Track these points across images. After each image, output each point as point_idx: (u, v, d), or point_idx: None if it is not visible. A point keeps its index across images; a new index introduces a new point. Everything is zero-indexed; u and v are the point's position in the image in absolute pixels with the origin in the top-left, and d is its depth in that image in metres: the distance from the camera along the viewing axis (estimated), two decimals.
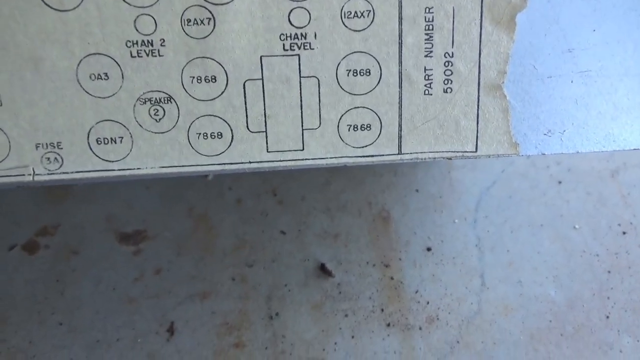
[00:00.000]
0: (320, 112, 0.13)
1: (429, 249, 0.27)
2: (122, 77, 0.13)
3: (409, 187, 0.29)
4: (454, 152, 0.13)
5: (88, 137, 0.13)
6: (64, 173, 0.13)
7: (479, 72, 0.13)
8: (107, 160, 0.13)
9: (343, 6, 0.13)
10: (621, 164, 0.29)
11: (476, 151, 0.13)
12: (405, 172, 0.29)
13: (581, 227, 0.28)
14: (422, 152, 0.13)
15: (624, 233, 0.27)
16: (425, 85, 0.13)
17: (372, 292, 0.26)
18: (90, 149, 0.13)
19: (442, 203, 0.28)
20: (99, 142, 0.13)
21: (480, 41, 0.13)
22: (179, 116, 0.13)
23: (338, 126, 0.13)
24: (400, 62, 0.13)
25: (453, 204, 0.28)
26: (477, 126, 0.13)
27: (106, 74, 0.13)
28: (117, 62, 0.13)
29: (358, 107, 0.13)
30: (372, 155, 0.13)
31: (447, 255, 0.27)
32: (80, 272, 0.26)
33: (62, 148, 0.13)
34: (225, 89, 0.13)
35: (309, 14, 0.13)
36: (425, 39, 0.13)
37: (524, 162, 0.29)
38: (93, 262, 0.26)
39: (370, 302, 0.26)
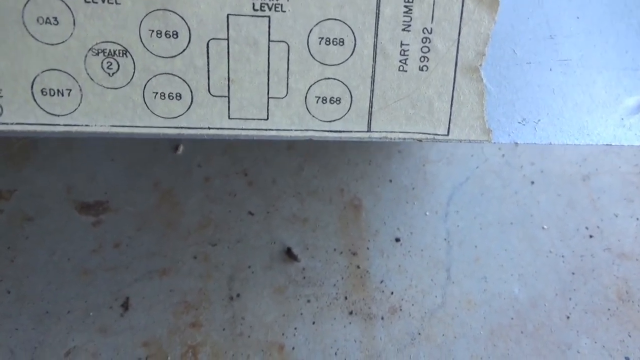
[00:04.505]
0: (288, 80, 0.12)
1: (397, 240, 0.27)
2: (74, 24, 0.12)
3: (382, 177, 0.29)
4: (425, 134, 0.13)
5: (32, 86, 0.12)
6: (3, 124, 0.11)
7: (457, 52, 0.12)
8: (52, 114, 0.12)
9: None
10: (593, 170, 0.29)
11: (448, 134, 0.13)
12: (380, 162, 0.29)
13: (549, 228, 0.28)
14: (392, 132, 0.13)
15: (591, 237, 0.28)
16: (401, 61, 0.12)
17: (337, 279, 0.25)
18: (34, 99, 0.12)
19: (415, 195, 0.28)
20: (44, 93, 0.12)
21: (461, 19, 0.12)
22: (134, 72, 0.12)
23: (306, 97, 0.12)
24: (376, 34, 0.12)
25: (425, 196, 0.28)
26: (451, 109, 0.13)
27: (56, 19, 0.11)
28: (68, 6, 0.11)
29: (328, 79, 0.13)
30: (340, 131, 0.13)
31: (416, 247, 0.26)
32: (34, 239, 0.24)
33: (2, 96, 0.12)
34: (187, 46, 0.12)
35: None
36: (404, 12, 0.12)
37: (499, 161, 0.29)
38: (49, 231, 0.24)
39: (334, 289, 0.25)
